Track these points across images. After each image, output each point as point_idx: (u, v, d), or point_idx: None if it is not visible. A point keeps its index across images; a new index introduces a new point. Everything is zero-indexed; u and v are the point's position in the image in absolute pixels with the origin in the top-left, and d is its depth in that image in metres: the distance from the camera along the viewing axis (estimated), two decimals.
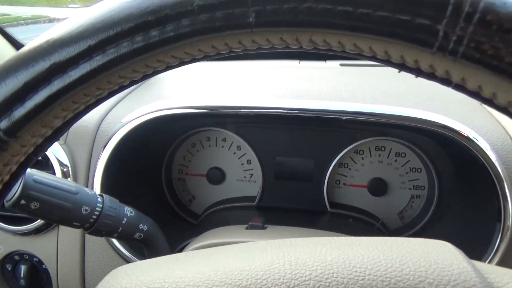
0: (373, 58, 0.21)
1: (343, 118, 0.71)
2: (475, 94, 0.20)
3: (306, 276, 0.26)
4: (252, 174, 0.97)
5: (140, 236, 0.60)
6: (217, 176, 0.97)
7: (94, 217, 0.55)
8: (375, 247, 0.29)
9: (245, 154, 0.97)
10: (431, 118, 0.67)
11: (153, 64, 0.23)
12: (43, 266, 0.77)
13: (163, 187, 0.99)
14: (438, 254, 0.28)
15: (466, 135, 0.65)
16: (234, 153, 0.98)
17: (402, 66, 0.21)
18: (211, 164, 0.97)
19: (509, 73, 0.17)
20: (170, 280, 0.27)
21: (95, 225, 0.55)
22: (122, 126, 0.74)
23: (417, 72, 0.21)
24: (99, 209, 0.55)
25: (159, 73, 0.24)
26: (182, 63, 0.23)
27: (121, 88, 0.24)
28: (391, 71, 0.95)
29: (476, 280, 0.25)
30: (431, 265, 0.26)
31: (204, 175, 0.98)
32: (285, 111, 0.73)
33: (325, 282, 0.26)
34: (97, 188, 0.73)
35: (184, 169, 1.01)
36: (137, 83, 0.25)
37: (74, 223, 0.53)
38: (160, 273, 0.28)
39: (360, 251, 0.28)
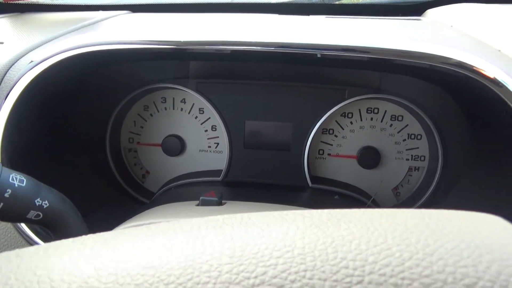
0: None
1: (331, 55, 0.55)
2: None
3: (256, 278, 0.18)
4: (217, 143, 0.84)
5: (38, 216, 0.42)
6: (175, 146, 0.83)
7: None
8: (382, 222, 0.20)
9: (209, 118, 0.81)
10: (445, 53, 0.51)
11: None
12: None
13: (107, 160, 0.82)
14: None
15: (491, 77, 0.48)
16: (196, 117, 0.82)
17: None
18: (167, 132, 0.84)
19: None
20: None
21: None
22: (32, 68, 0.55)
23: None
24: None
25: None
26: None
27: None
28: (397, 22, 0.73)
29: None
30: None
31: (159, 145, 0.84)
32: (258, 47, 0.56)
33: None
34: None
35: (135, 138, 0.85)
36: None
37: None
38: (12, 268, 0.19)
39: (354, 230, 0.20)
